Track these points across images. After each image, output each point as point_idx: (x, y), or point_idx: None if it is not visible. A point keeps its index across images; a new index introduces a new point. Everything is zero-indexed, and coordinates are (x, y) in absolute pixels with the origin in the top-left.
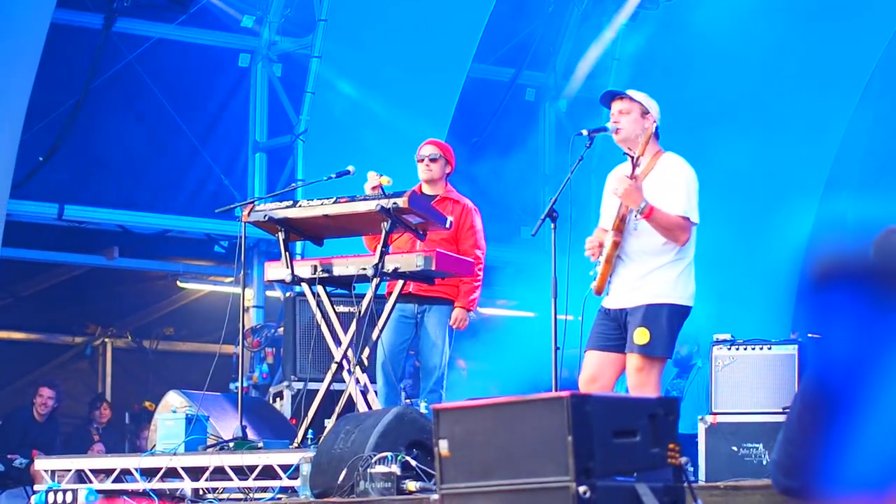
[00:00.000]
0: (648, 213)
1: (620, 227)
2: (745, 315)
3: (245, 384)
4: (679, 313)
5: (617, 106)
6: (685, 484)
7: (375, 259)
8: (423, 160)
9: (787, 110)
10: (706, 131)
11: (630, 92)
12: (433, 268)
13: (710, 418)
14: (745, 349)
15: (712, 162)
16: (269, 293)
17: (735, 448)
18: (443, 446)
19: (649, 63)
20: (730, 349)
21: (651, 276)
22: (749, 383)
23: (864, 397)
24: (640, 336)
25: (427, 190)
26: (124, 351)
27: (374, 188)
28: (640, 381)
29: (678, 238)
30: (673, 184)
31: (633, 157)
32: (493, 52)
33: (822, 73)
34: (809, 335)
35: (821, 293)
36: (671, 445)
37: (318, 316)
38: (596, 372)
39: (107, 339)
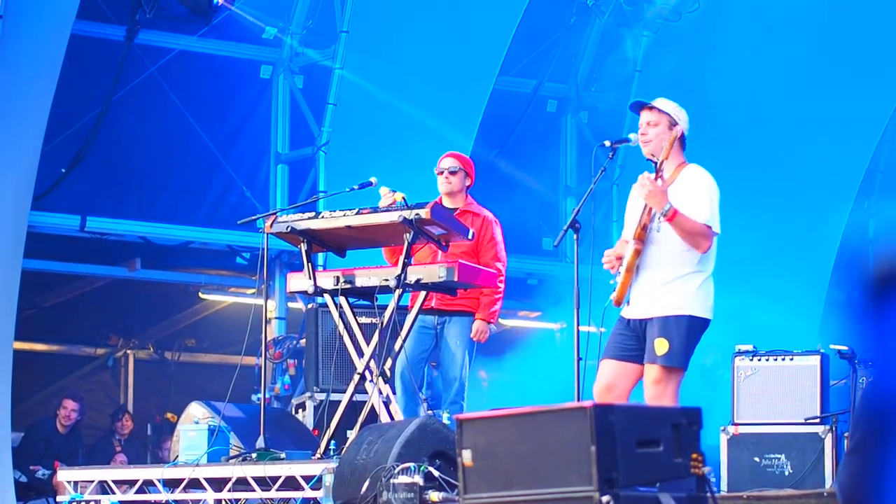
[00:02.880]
0: (672, 216)
1: (642, 235)
2: (772, 324)
3: (267, 395)
4: (698, 325)
5: (645, 117)
6: (708, 494)
7: (398, 270)
8: (442, 173)
9: (820, 116)
10: (734, 140)
11: (659, 102)
12: (456, 279)
13: (732, 429)
14: (768, 360)
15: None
16: (290, 304)
17: (757, 459)
18: (466, 456)
19: (673, 73)
20: (752, 360)
21: (670, 286)
22: (771, 394)
23: None
24: (660, 346)
25: (447, 202)
26: (146, 362)
27: (388, 205)
28: (658, 393)
29: (700, 245)
30: (696, 193)
31: (656, 163)
32: (515, 63)
33: (858, 75)
34: (832, 346)
35: (885, 298)
36: (694, 455)
37: (341, 327)
38: (611, 381)
39: (129, 351)
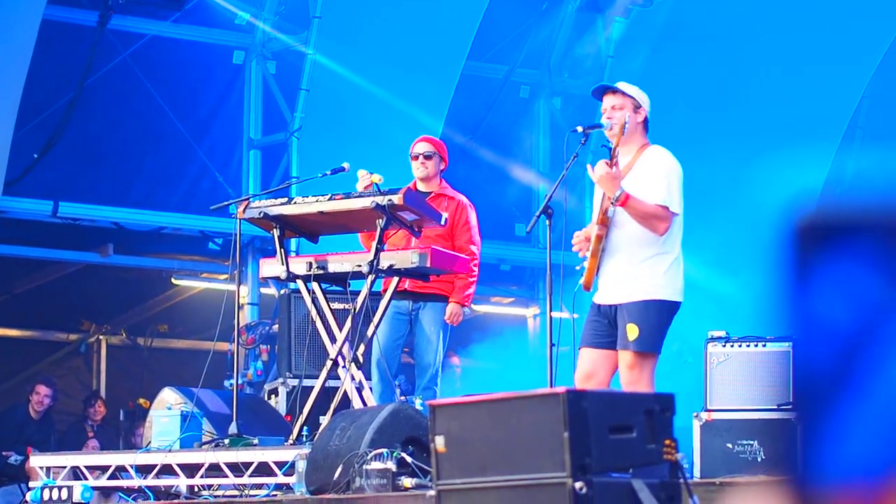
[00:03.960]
0: (624, 201)
1: (604, 220)
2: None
3: (240, 381)
4: (668, 309)
5: (609, 101)
6: (681, 480)
7: (371, 256)
8: (417, 157)
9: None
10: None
11: (622, 85)
12: (428, 264)
13: (704, 415)
14: (740, 346)
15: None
16: (263, 290)
17: (730, 445)
18: (439, 442)
19: (647, 59)
20: (724, 346)
21: (637, 269)
22: (744, 380)
23: (865, 378)
24: (630, 332)
25: (421, 187)
26: (119, 348)
27: (365, 187)
28: (633, 379)
29: (656, 227)
30: (653, 173)
31: (610, 149)
32: (487, 49)
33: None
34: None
35: (805, 254)
36: (667, 441)
37: (314, 312)
38: (591, 369)
39: (101, 336)
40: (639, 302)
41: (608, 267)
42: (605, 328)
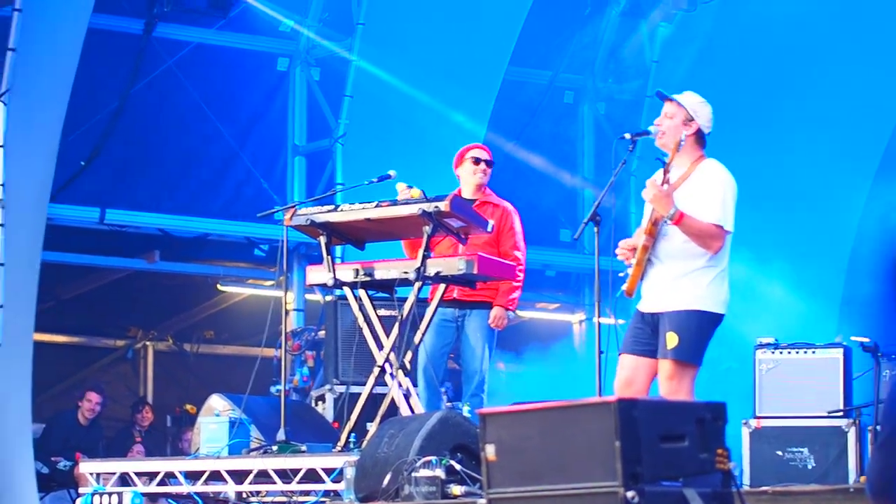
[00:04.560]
0: (678, 220)
1: (652, 230)
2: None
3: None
4: (710, 320)
5: (665, 108)
6: (733, 489)
7: (417, 263)
8: (479, 163)
9: (837, 104)
10: (751, 131)
11: (682, 96)
12: (475, 271)
13: (754, 422)
14: (790, 353)
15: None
16: (308, 296)
17: (780, 452)
18: (489, 451)
19: (691, 64)
20: (773, 353)
21: (682, 280)
22: (793, 387)
23: None
24: (670, 340)
25: (467, 194)
26: (165, 354)
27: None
28: (672, 389)
29: (710, 246)
30: (708, 191)
31: (664, 164)
32: (531, 54)
33: (876, 61)
34: (853, 339)
35: None
36: (719, 450)
37: (361, 319)
38: (630, 375)
39: (148, 343)
40: (681, 311)
41: (653, 276)
42: (647, 336)
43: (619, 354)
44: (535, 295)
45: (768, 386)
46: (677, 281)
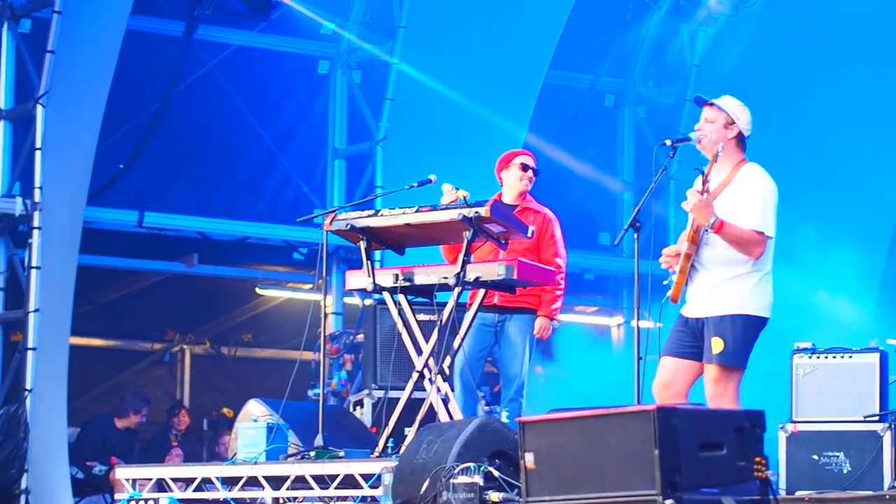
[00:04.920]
0: (719, 228)
1: (695, 238)
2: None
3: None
4: (754, 324)
5: (704, 113)
6: (772, 497)
7: (457, 268)
8: (527, 169)
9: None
10: (790, 135)
11: (721, 100)
12: (515, 277)
13: (790, 427)
14: (826, 357)
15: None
16: (347, 300)
17: (816, 457)
18: (529, 459)
19: (732, 69)
20: (811, 357)
21: (726, 285)
22: (830, 392)
23: None
24: (716, 345)
25: (507, 199)
26: (202, 357)
27: (451, 202)
28: (718, 392)
29: (751, 252)
30: (749, 197)
31: (702, 173)
32: (572, 58)
33: None
34: (889, 342)
35: None
36: (758, 458)
37: (400, 324)
38: (669, 378)
39: (185, 346)
40: (725, 316)
41: (697, 282)
42: (690, 339)
43: (660, 356)
44: (574, 298)
45: (805, 391)
46: (721, 286)
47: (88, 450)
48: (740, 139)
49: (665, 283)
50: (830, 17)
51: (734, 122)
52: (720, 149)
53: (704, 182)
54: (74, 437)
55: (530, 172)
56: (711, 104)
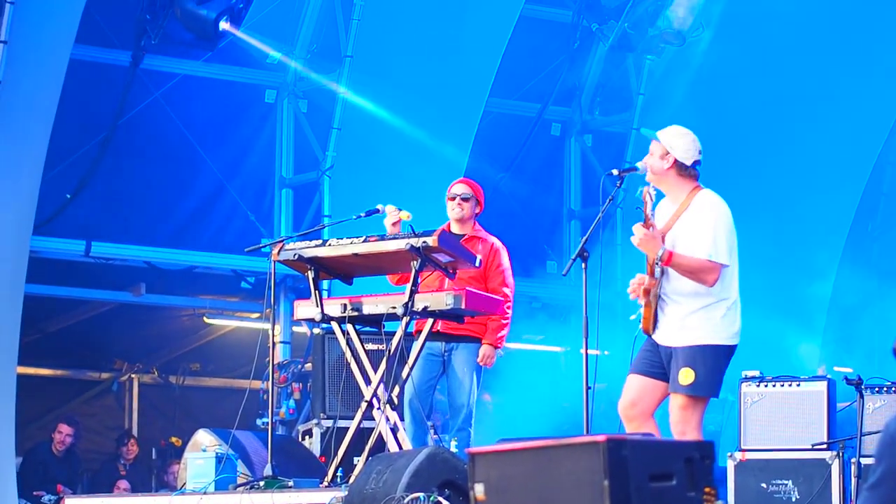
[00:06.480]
0: (668, 260)
1: (651, 271)
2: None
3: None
4: (724, 353)
5: (651, 145)
6: None
7: (405, 298)
8: (454, 198)
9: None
10: (739, 159)
11: (663, 130)
12: (463, 306)
13: (739, 455)
14: (774, 385)
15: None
16: (295, 329)
17: (764, 485)
18: (479, 490)
19: (678, 97)
20: (758, 385)
21: (695, 316)
22: (778, 420)
23: None
24: (685, 377)
25: (455, 229)
26: (151, 386)
27: (394, 223)
28: (684, 419)
29: (705, 280)
30: (699, 225)
31: (644, 210)
32: (519, 87)
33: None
34: (836, 369)
35: None
36: (707, 489)
37: (348, 354)
38: (636, 396)
39: (133, 375)
40: (695, 346)
41: (668, 314)
42: (660, 360)
43: (628, 374)
44: (522, 326)
45: (753, 419)
46: (690, 317)
47: (33, 479)
48: (681, 167)
49: (632, 317)
50: (777, 45)
51: (668, 153)
52: (651, 190)
53: (646, 218)
54: (18, 466)
55: (458, 200)
56: (653, 138)
